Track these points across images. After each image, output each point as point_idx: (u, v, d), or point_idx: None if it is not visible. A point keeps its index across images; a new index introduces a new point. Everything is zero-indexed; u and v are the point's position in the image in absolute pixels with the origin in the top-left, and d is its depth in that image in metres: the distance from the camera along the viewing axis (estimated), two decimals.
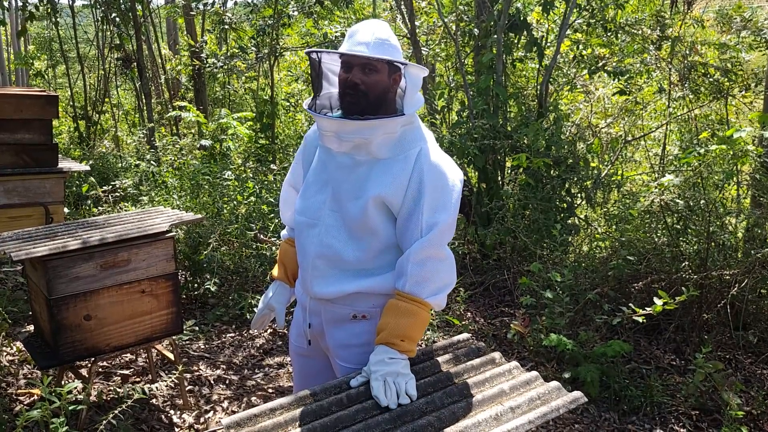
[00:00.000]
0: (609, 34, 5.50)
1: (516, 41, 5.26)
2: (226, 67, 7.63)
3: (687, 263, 3.64)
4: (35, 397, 2.98)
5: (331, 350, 1.87)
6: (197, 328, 3.76)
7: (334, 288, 1.77)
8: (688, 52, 5.43)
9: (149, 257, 2.66)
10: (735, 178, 4.09)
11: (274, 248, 4.35)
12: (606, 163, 5.58)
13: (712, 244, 3.64)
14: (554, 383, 1.70)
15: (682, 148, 5.14)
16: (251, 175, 5.57)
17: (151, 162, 6.17)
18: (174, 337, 2.87)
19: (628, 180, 5.43)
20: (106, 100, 9.07)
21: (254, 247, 4.44)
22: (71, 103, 8.69)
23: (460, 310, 4.12)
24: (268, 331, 3.93)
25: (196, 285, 4.24)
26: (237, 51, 7.46)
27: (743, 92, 5.39)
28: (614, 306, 3.54)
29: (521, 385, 1.70)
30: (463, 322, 3.92)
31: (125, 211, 5.01)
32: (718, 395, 3.08)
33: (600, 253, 4.30)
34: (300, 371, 2.04)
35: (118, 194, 5.56)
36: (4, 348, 3.28)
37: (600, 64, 5.51)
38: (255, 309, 3.17)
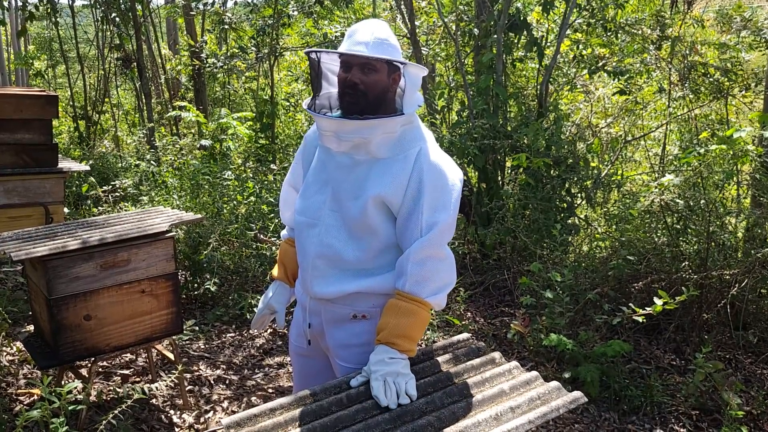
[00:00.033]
0: (609, 34, 5.50)
1: (516, 41, 5.26)
2: (226, 67, 7.63)
3: (687, 263, 3.64)
4: (35, 397, 2.98)
5: (331, 350, 1.87)
6: (197, 328, 3.76)
7: (334, 288, 1.77)
8: (688, 52, 5.43)
9: (149, 257, 2.66)
10: (735, 178, 4.09)
11: (274, 248, 4.35)
12: (606, 163, 5.58)
13: (712, 244, 3.64)
14: (554, 383, 1.70)
15: (682, 148, 5.15)
16: (251, 175, 5.57)
17: (151, 162, 6.17)
18: (174, 337, 2.87)
19: (628, 180, 5.42)
20: (106, 100, 9.07)
21: (254, 247, 4.44)
22: (71, 103, 8.69)
23: (460, 310, 4.12)
24: (268, 331, 3.93)
25: (196, 285, 4.24)
26: (237, 51, 7.46)
27: (743, 92, 5.39)
28: (614, 306, 3.54)
29: (521, 385, 1.70)
30: (463, 322, 3.92)
31: (125, 211, 5.01)
32: (718, 395, 3.08)
33: (600, 253, 4.30)
34: (300, 371, 2.04)
35: (118, 194, 5.56)
36: (4, 348, 3.28)
37: (600, 64, 5.51)
38: (255, 309, 3.17)
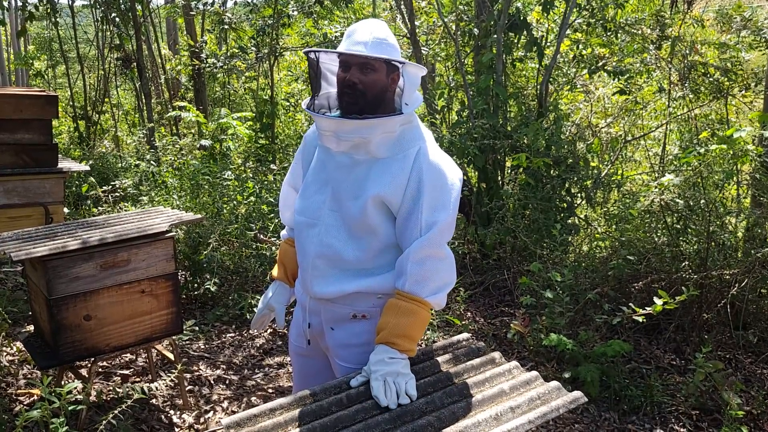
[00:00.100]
0: (609, 33, 5.50)
1: (516, 41, 5.26)
2: (225, 67, 7.63)
3: (687, 263, 3.64)
4: (35, 397, 2.98)
5: (330, 350, 1.87)
6: (197, 328, 3.75)
7: (334, 288, 1.77)
8: (688, 51, 5.43)
9: (149, 257, 2.66)
10: (735, 178, 4.09)
11: (274, 248, 4.35)
12: (606, 163, 5.58)
13: (712, 243, 3.64)
14: (554, 383, 1.70)
15: (682, 147, 5.14)
16: (251, 175, 5.57)
17: (151, 162, 6.17)
18: (174, 337, 2.87)
19: (628, 180, 5.42)
20: (106, 100, 9.07)
21: (254, 247, 4.44)
22: (71, 103, 8.69)
23: (460, 310, 4.12)
24: (268, 331, 3.93)
25: (196, 285, 4.24)
26: (237, 51, 7.46)
27: (743, 92, 5.39)
28: (614, 306, 3.54)
29: (521, 385, 1.70)
30: (463, 322, 3.92)
31: (125, 211, 5.01)
32: (718, 395, 3.07)
33: (600, 252, 4.30)
34: (300, 371, 2.04)
35: (117, 194, 5.56)
36: (4, 348, 3.28)
37: (600, 63, 5.51)
38: (255, 309, 3.17)
